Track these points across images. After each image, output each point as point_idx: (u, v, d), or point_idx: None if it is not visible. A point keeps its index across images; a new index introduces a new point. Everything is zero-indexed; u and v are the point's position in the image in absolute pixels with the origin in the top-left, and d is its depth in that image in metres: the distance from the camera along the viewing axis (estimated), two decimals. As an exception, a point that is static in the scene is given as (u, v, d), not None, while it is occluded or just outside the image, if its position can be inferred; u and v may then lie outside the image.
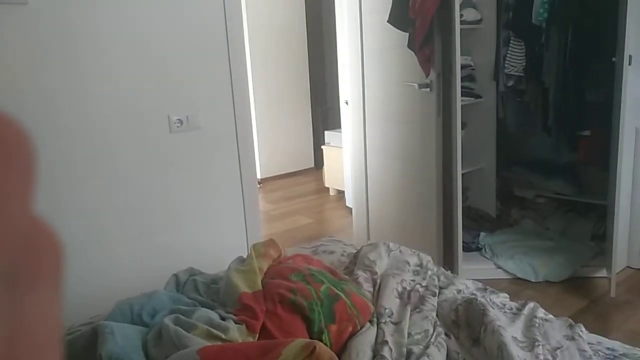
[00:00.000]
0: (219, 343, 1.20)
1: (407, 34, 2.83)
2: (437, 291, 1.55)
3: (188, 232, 2.71)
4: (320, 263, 1.62)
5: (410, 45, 2.82)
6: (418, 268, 1.70)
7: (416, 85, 2.84)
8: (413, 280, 1.61)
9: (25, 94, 2.16)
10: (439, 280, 1.66)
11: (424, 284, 1.59)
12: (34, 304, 0.21)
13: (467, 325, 1.36)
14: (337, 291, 1.36)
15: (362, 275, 1.60)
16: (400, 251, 1.79)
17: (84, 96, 2.31)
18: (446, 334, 1.36)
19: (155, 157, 2.56)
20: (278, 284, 1.38)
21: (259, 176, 5.44)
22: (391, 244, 1.82)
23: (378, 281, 1.58)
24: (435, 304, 1.47)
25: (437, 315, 1.43)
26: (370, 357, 1.20)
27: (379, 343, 1.25)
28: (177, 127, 2.60)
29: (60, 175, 2.30)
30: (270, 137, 5.53)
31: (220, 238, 2.82)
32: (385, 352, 1.20)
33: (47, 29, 2.18)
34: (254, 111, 5.31)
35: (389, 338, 1.26)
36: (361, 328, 1.32)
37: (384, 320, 1.35)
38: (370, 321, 1.36)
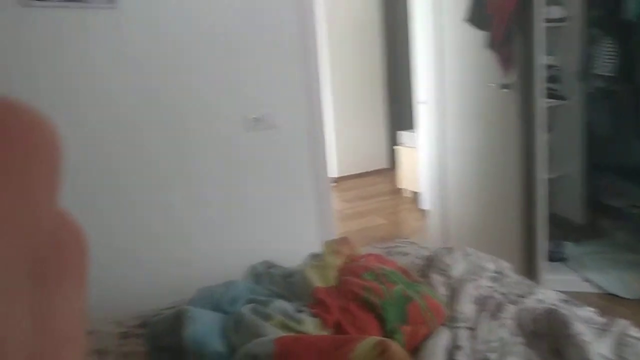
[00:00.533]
0: (295, 334, 1.23)
1: (486, 32, 2.75)
2: (516, 299, 1.50)
3: (262, 229, 2.78)
4: (393, 264, 1.61)
5: (489, 44, 2.73)
6: (496, 275, 1.65)
7: (497, 85, 2.75)
8: (490, 287, 1.57)
9: (110, 93, 2.31)
10: (518, 288, 1.60)
11: (501, 291, 1.54)
12: (60, 298, 0.22)
13: (548, 336, 1.30)
14: (410, 293, 1.35)
15: (436, 278, 1.58)
16: (477, 256, 1.75)
17: (164, 96, 2.43)
18: (524, 344, 1.31)
19: (231, 155, 2.65)
20: (351, 281, 1.40)
21: (334, 175, 5.49)
22: (468, 249, 1.78)
23: (453, 286, 1.56)
24: (514, 312, 1.43)
25: (515, 324, 1.38)
26: (443, 362, 1.19)
27: (454, 347, 1.23)
28: (253, 125, 2.68)
29: (147, 173, 2.45)
30: (346, 136, 5.56)
31: (294, 235, 2.88)
32: (460, 357, 1.18)
33: (134, 31, 2.32)
34: (331, 110, 5.38)
35: (464, 343, 1.24)
36: (435, 331, 1.30)
37: (458, 325, 1.33)
38: (445, 325, 1.34)
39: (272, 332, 1.20)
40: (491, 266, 1.69)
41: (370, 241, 3.72)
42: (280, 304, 1.35)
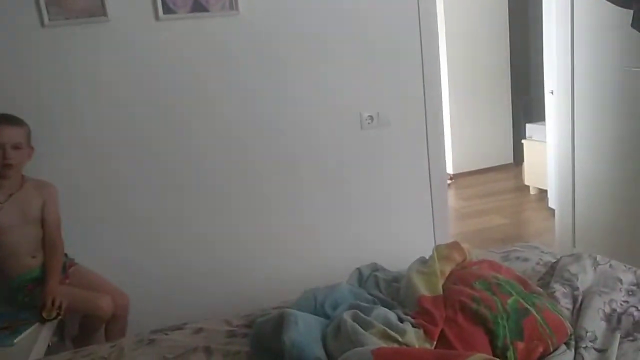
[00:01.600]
0: (395, 345, 1.17)
1: (631, 11, 2.42)
2: (657, 318, 1.29)
3: (375, 227, 2.74)
4: (510, 272, 1.48)
5: (636, 23, 2.41)
6: (634, 288, 1.44)
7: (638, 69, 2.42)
8: (626, 302, 1.37)
9: (232, 91, 2.41)
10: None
11: (640, 307, 1.34)
12: None
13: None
14: (527, 305, 1.22)
15: (559, 289, 1.42)
16: (610, 265, 1.54)
17: (284, 96, 2.48)
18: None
19: (344, 154, 2.64)
20: (460, 290, 1.30)
21: (450, 171, 5.27)
22: (599, 257, 1.58)
23: (579, 298, 1.38)
24: (654, 333, 1.23)
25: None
26: (563, 386, 1.05)
27: (577, 371, 1.09)
28: (368, 123, 2.64)
29: (267, 171, 2.52)
30: (465, 130, 5.30)
31: (407, 235, 2.80)
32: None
33: (256, 34, 2.39)
34: (448, 103, 5.16)
35: (590, 367, 1.09)
36: (554, 350, 1.16)
37: (584, 345, 1.17)
38: (567, 344, 1.19)
39: (372, 342, 1.15)
40: (628, 277, 1.48)
41: (489, 243, 3.51)
42: (383, 312, 1.29)
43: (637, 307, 1.34)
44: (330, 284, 1.53)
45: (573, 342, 1.19)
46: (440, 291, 1.33)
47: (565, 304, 1.37)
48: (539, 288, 1.43)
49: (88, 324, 2.18)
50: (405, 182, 2.77)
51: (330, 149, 2.61)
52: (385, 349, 1.10)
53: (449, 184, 5.13)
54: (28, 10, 2.09)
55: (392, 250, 2.64)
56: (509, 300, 1.23)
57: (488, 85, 5.32)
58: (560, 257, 1.63)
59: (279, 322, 1.32)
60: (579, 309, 1.33)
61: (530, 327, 1.18)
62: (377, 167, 2.70)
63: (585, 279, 1.46)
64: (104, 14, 2.18)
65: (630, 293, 1.42)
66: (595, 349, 1.17)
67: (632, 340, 1.20)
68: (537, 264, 1.77)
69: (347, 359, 1.10)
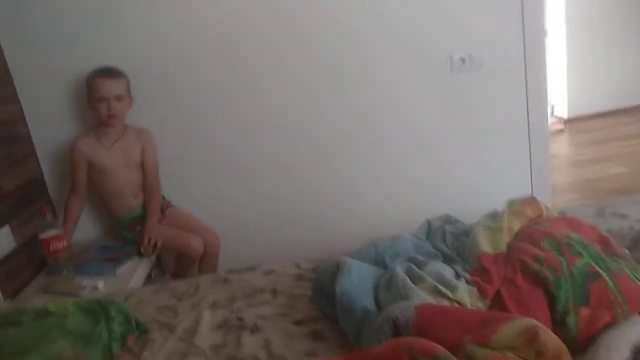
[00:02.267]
0: (445, 301, 1.13)
1: None
2: None
3: (466, 174, 2.61)
4: (591, 230, 1.33)
5: None
6: None
7: None
8: None
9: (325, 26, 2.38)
10: None
11: None
12: None
13: None
14: (598, 269, 1.10)
15: (650, 252, 1.26)
16: None
17: (361, 32, 2.39)
18: None
19: (436, 97, 2.52)
20: (524, 249, 1.21)
21: (565, 115, 4.83)
22: None
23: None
24: None
25: None
26: (628, 359, 0.95)
27: (645, 345, 0.97)
28: (460, 66, 2.48)
29: (350, 112, 2.49)
30: (586, 68, 4.77)
31: (500, 184, 2.64)
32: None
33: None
34: (565, 38, 4.66)
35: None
36: (624, 320, 1.05)
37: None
38: (643, 314, 1.07)
39: (420, 297, 1.13)
40: None
41: (602, 194, 3.21)
42: (439, 267, 1.25)
43: None
44: (394, 235, 1.50)
45: (652, 313, 1.06)
46: (504, 248, 1.25)
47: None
48: (625, 250, 1.29)
49: (182, 260, 2.38)
50: (501, 128, 2.59)
51: (418, 91, 2.50)
52: (429, 306, 1.07)
53: (561, 130, 4.72)
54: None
55: (485, 199, 2.50)
56: (578, 262, 1.12)
57: (614, 16, 4.69)
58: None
59: (335, 270, 1.34)
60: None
61: (598, 293, 1.07)
62: (469, 111, 2.54)
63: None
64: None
65: None
66: (676, 322, 1.03)
67: None
68: (637, 221, 1.59)
69: (390, 311, 1.08)
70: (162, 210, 2.37)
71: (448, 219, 1.65)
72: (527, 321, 0.93)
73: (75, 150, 2.20)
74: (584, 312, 1.06)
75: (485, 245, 1.27)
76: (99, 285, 1.94)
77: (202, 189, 2.50)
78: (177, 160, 2.45)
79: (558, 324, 1.06)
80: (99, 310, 1.43)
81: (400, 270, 1.24)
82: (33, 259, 2.08)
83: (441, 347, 0.90)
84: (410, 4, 2.38)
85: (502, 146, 2.61)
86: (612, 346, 0.97)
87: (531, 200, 1.43)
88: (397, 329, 1.07)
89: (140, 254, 2.13)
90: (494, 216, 1.40)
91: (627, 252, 1.28)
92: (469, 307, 1.11)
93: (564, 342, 1.02)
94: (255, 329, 1.38)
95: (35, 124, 2.33)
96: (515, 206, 1.39)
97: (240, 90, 2.39)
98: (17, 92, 2.27)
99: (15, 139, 2.24)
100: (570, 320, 1.05)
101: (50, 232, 2.00)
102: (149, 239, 2.14)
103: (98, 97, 2.12)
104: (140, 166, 2.29)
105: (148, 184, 2.30)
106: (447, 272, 1.22)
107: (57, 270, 2.03)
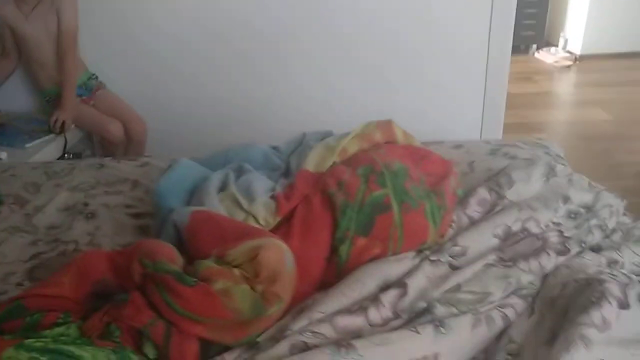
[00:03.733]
0: (239, 212, 1.09)
1: None
2: (576, 250, 1.03)
3: (411, 93, 2.46)
4: (439, 164, 1.25)
5: None
6: (581, 211, 1.15)
7: None
8: (555, 224, 1.11)
9: None
10: (606, 235, 1.10)
11: (566, 235, 1.07)
12: None
13: (563, 313, 0.88)
14: (393, 201, 1.04)
15: (482, 194, 1.18)
16: (570, 180, 1.23)
17: None
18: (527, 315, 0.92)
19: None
20: (337, 171, 1.14)
21: (578, 51, 4.48)
22: (561, 167, 1.27)
23: (497, 209, 1.15)
24: (548, 267, 0.99)
25: (533, 284, 0.96)
26: (369, 295, 0.91)
27: (395, 282, 0.93)
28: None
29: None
30: (607, 4, 4.33)
31: (446, 111, 2.50)
32: (387, 298, 0.89)
33: None
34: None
35: (412, 281, 0.92)
36: (395, 256, 1.00)
37: (436, 258, 0.98)
38: (421, 251, 1.01)
39: (211, 204, 1.09)
40: (583, 197, 1.17)
41: (570, 138, 3.04)
42: (256, 177, 1.20)
43: (561, 233, 1.07)
44: (250, 143, 1.45)
45: (428, 253, 1.00)
46: (325, 169, 1.19)
47: (474, 211, 1.14)
48: (459, 190, 1.21)
49: (104, 145, 2.39)
50: (456, 50, 2.40)
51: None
52: (204, 213, 1.04)
53: (568, 66, 4.40)
54: None
55: (425, 124, 2.39)
56: (376, 192, 1.05)
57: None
58: (517, 160, 1.34)
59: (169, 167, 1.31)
60: (476, 221, 1.11)
61: (382, 226, 1.01)
62: (427, 22, 2.34)
63: (525, 189, 1.18)
64: None
65: (573, 216, 1.14)
66: (450, 265, 0.98)
67: (508, 267, 0.98)
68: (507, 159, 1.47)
69: (174, 215, 1.06)
70: (92, 90, 2.34)
71: (326, 135, 1.57)
72: (260, 240, 0.90)
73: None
74: (361, 242, 1.01)
75: (309, 162, 1.20)
76: (3, 156, 1.97)
77: (138, 74, 2.45)
78: (115, 39, 2.37)
79: (334, 251, 1.02)
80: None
81: (213, 176, 1.20)
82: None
83: (164, 253, 0.88)
84: None
85: (455, 69, 2.44)
86: (359, 278, 0.94)
87: (385, 124, 1.33)
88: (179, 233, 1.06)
89: (50, 132, 2.14)
90: (341, 136, 1.32)
91: (460, 192, 1.20)
92: (261, 220, 1.07)
93: (335, 270, 1.00)
94: (91, 216, 1.39)
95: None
96: (365, 128, 1.31)
97: None
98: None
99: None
100: (343, 249, 1.01)
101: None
102: (56, 119, 2.13)
103: None
104: (61, 35, 2.20)
105: (60, 51, 2.17)
106: (262, 184, 1.18)
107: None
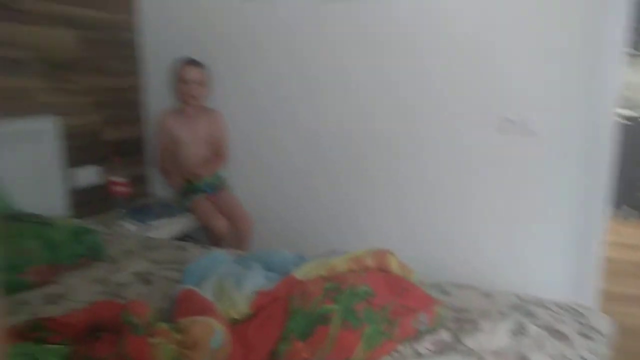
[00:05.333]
0: (226, 298, 1.32)
1: None
2: None
3: (494, 245, 2.49)
4: (421, 300, 1.33)
5: None
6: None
7: None
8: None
9: (372, 72, 2.58)
10: None
11: None
12: None
13: None
14: (338, 317, 1.16)
15: (441, 334, 1.23)
16: (538, 343, 1.20)
17: (408, 85, 2.50)
18: None
19: (478, 156, 2.47)
20: (310, 283, 1.30)
21: None
22: (534, 328, 1.24)
23: (448, 352, 1.18)
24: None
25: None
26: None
27: None
28: (507, 128, 2.40)
29: (390, 156, 2.64)
30: None
31: (528, 269, 2.43)
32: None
33: (401, 23, 2.48)
34: None
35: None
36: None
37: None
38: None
39: (205, 286, 1.35)
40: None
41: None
42: (254, 274, 1.42)
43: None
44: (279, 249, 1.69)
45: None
46: (310, 278, 1.36)
47: (425, 349, 1.20)
48: (415, 322, 1.27)
49: (210, 235, 2.82)
50: (545, 203, 2.39)
51: (460, 147, 2.49)
52: (188, 291, 1.30)
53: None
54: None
55: (503, 273, 2.41)
56: (326, 306, 1.19)
57: None
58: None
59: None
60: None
61: (318, 336, 1.14)
62: (513, 177, 2.43)
63: (487, 340, 1.20)
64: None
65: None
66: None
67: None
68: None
69: (176, 288, 1.34)
70: (216, 189, 2.85)
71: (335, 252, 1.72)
72: (200, 317, 1.11)
73: (161, 121, 2.83)
74: (298, 345, 1.15)
75: (299, 271, 1.39)
76: (131, 228, 2.51)
77: (257, 179, 2.92)
78: (246, 147, 2.91)
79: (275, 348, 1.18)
80: (82, 231, 1.95)
81: (226, 266, 1.46)
82: (108, 196, 2.77)
83: (136, 308, 1.15)
84: (461, 61, 2.40)
85: (541, 227, 2.41)
86: None
87: (380, 253, 1.46)
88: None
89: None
90: (339, 254, 1.49)
91: (422, 317, 1.26)
92: (237, 307, 1.29)
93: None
94: (148, 282, 1.74)
95: (148, 94, 3.03)
96: (359, 253, 1.46)
97: (307, 100, 2.74)
98: (141, 66, 3.00)
99: (131, 104, 2.98)
100: (282, 347, 1.16)
101: (117, 178, 2.63)
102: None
103: (181, 79, 2.71)
104: (208, 141, 2.82)
105: (215, 149, 2.84)
106: (255, 280, 1.39)
107: (116, 208, 2.66)
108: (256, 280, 1.40)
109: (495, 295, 1.66)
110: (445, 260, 2.53)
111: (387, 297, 1.29)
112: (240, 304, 1.30)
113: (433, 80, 2.47)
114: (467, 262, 2.51)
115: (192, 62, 2.74)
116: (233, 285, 1.36)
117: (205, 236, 2.94)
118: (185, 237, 2.79)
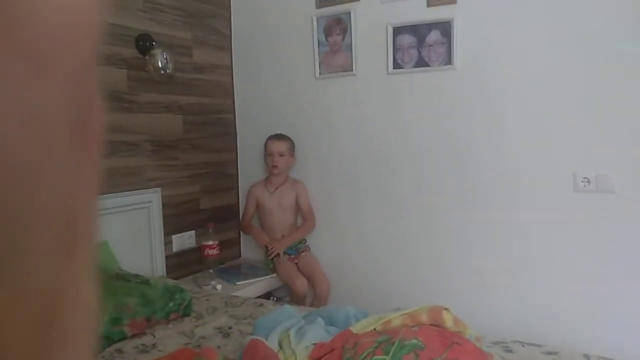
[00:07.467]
0: (288, 348, 1.44)
1: None
2: None
3: (565, 296, 2.38)
4: (473, 355, 1.36)
5: None
6: None
7: None
8: None
9: (442, 139, 2.67)
10: None
11: None
12: (87, 166, 0.22)
13: None
14: (384, 367, 1.24)
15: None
16: None
17: (489, 147, 2.55)
18: None
19: (556, 214, 2.44)
20: (364, 335, 1.39)
21: None
22: None
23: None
24: None
25: None
26: None
27: None
28: (584, 186, 2.37)
29: (469, 218, 2.68)
30: None
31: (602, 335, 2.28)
32: None
33: (465, 87, 2.59)
34: None
35: None
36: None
37: None
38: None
39: (271, 338, 1.48)
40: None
41: None
42: (314, 327, 1.53)
43: None
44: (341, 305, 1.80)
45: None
46: (364, 332, 1.44)
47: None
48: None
49: (291, 295, 2.97)
50: (623, 262, 2.28)
51: (538, 207, 2.47)
52: (254, 341, 1.43)
53: None
54: (306, 67, 3.03)
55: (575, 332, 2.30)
56: (376, 357, 1.26)
57: None
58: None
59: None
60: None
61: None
62: (590, 235, 2.36)
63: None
64: (352, 69, 2.89)
65: None
66: None
67: None
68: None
69: (247, 338, 1.49)
70: (299, 251, 3.03)
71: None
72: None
73: (249, 190, 3.10)
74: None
75: (356, 325, 1.48)
76: (218, 288, 2.73)
77: (336, 243, 3.06)
78: (323, 216, 3.08)
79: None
80: (175, 290, 2.20)
81: (292, 321, 1.59)
82: (201, 257, 3.04)
83: (208, 355, 1.30)
84: (534, 122, 2.43)
85: (622, 291, 2.29)
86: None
87: (435, 309, 1.50)
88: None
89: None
90: (396, 310, 1.56)
91: None
92: (295, 357, 1.40)
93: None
94: (227, 336, 1.91)
95: (242, 167, 3.35)
96: (415, 309, 1.52)
97: (379, 164, 2.89)
98: (235, 142, 3.34)
99: (226, 176, 3.30)
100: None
101: (207, 242, 2.90)
102: (272, 246, 2.85)
103: (267, 152, 2.97)
104: (292, 209, 3.03)
105: (304, 216, 3.05)
106: (315, 333, 1.51)
107: (207, 269, 2.92)
108: (317, 333, 1.52)
109: (561, 353, 1.62)
110: (519, 319, 2.46)
111: (437, 350, 1.33)
112: (300, 354, 1.41)
113: (509, 141, 2.50)
114: (541, 322, 2.41)
115: (275, 136, 3.00)
116: (295, 337, 1.48)
117: (289, 295, 3.10)
118: (270, 296, 2.97)
